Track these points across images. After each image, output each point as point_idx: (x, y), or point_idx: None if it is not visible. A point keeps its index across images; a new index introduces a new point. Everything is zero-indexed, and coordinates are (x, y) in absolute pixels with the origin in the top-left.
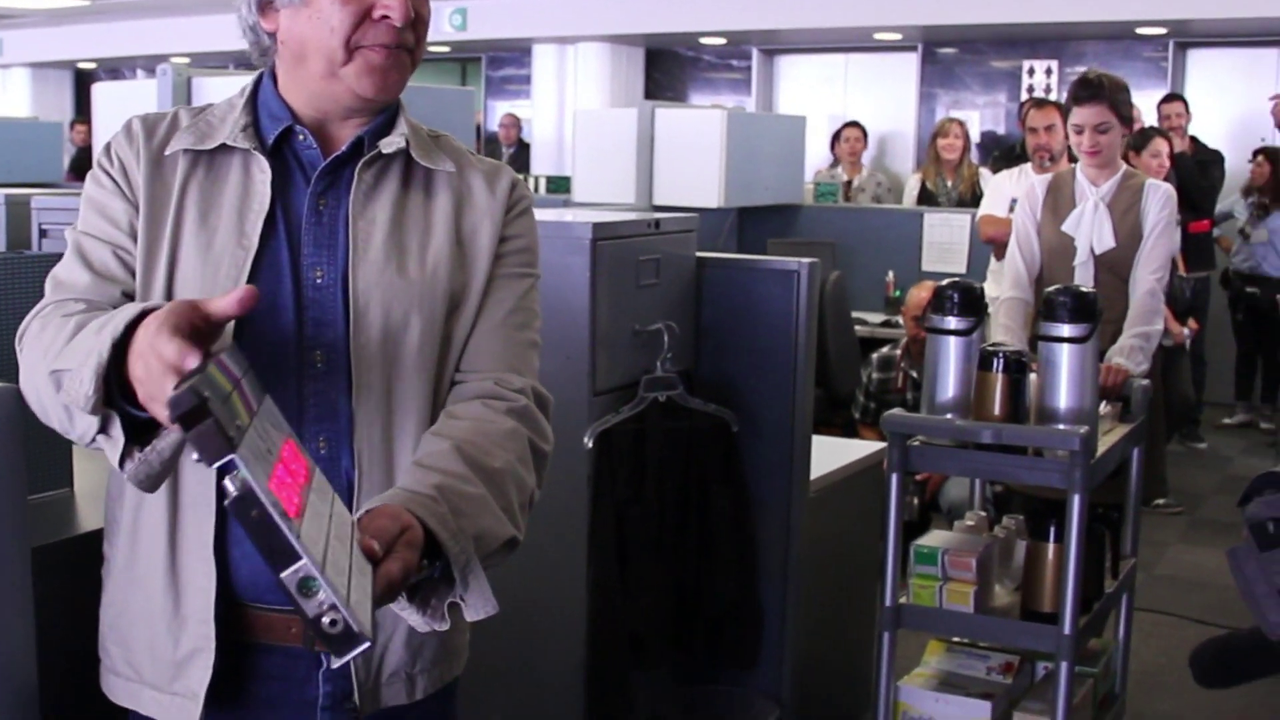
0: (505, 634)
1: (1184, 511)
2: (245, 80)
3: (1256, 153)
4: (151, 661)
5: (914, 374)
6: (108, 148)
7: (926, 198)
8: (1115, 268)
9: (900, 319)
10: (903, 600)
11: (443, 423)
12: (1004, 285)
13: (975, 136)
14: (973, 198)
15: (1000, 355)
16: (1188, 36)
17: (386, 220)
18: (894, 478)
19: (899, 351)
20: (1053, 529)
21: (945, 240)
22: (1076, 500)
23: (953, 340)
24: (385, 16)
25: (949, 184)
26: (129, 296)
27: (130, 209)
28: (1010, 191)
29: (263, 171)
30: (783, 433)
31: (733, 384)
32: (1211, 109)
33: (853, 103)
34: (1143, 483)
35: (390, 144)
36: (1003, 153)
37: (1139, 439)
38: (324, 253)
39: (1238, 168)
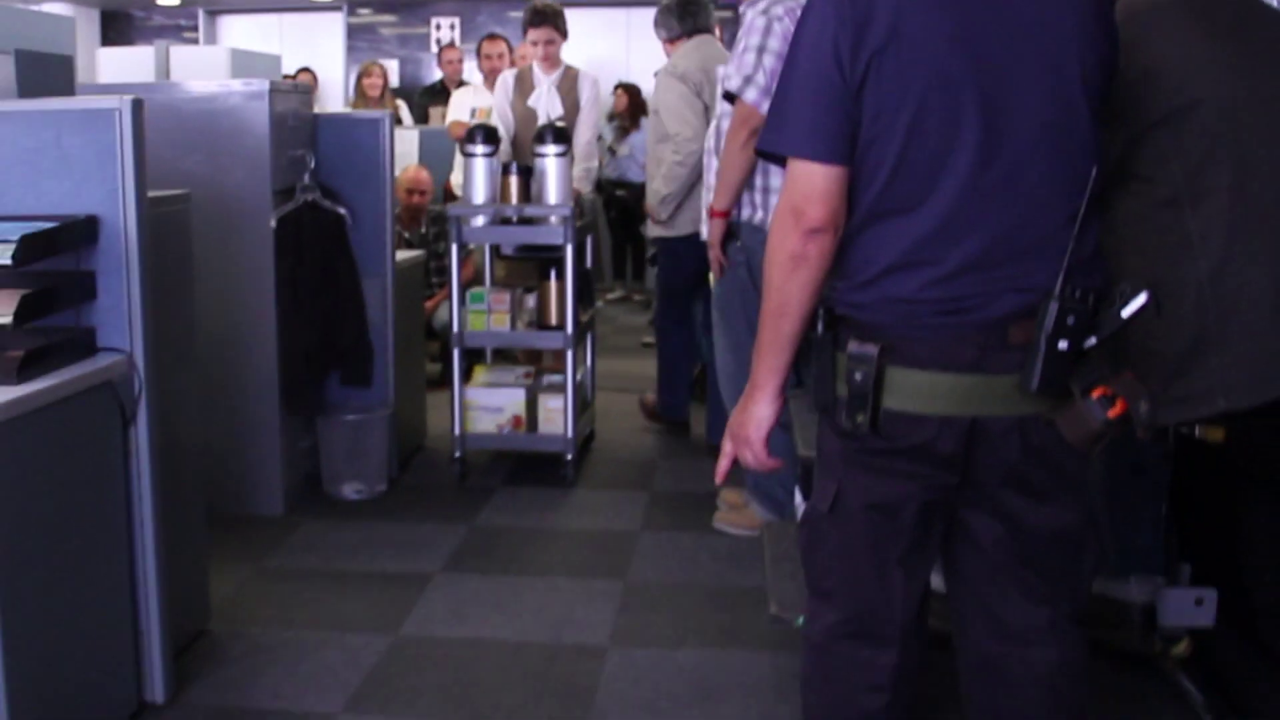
0: (217, 359)
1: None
2: None
3: (616, 87)
4: None
5: (405, 235)
6: None
7: None
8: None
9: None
10: (466, 329)
11: None
12: None
13: (395, 81)
14: (398, 121)
15: (514, 164)
16: None
17: None
18: (454, 248)
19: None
20: (553, 272)
21: (403, 151)
22: (570, 249)
23: (483, 160)
24: None
25: None
26: None
27: None
28: (469, 104)
29: None
30: (379, 227)
31: (344, 193)
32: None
33: (290, 55)
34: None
35: None
36: (426, 89)
37: (592, 229)
38: None
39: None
